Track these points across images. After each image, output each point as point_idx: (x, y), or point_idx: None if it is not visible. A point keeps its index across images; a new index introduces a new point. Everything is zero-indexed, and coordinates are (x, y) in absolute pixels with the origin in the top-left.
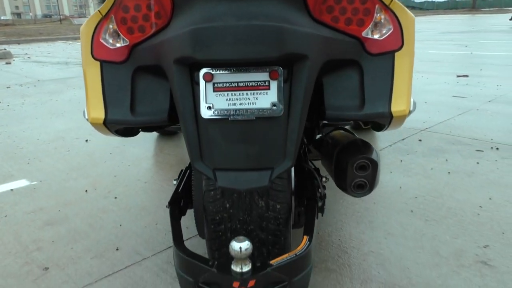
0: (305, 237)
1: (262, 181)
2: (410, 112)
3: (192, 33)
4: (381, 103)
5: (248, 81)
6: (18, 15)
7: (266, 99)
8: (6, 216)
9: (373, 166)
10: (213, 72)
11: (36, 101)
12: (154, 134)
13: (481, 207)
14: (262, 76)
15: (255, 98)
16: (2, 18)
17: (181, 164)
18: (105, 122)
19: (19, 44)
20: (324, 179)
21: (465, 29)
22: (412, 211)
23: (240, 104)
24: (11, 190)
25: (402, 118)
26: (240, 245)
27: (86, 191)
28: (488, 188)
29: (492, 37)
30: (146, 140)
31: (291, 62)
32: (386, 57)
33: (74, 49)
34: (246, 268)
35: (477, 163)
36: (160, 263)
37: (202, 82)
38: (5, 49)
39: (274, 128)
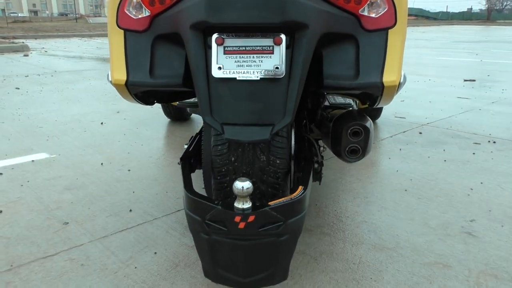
0: (300, 186)
1: (264, 134)
2: (400, 84)
3: (207, 1)
4: (374, 74)
5: (254, 46)
6: (35, 12)
7: (270, 62)
8: (28, 181)
9: (366, 132)
10: (223, 37)
11: (53, 89)
12: (166, 120)
13: (472, 189)
14: (267, 41)
15: (260, 61)
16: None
17: None
18: (127, 84)
19: (36, 39)
20: (322, 148)
21: (478, 39)
22: (406, 190)
23: (247, 65)
24: (32, 161)
25: (393, 88)
26: (243, 184)
27: (101, 164)
28: (481, 174)
29: (504, 47)
30: (159, 124)
31: (293, 30)
32: (380, 33)
33: (90, 45)
34: (247, 205)
35: (473, 153)
36: (170, 223)
37: (214, 46)
38: (23, 42)
39: (276, 88)
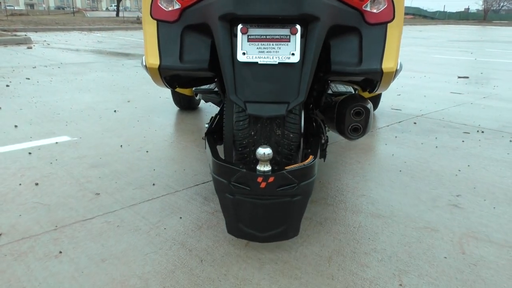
0: (311, 156)
1: (281, 110)
2: (396, 71)
3: None
4: (375, 61)
5: (274, 35)
6: (31, 6)
7: (287, 49)
8: (56, 159)
9: (366, 112)
10: (248, 27)
11: (62, 79)
12: (175, 109)
13: (459, 170)
14: (285, 31)
15: (278, 48)
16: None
17: (201, 131)
18: (159, 67)
19: (36, 32)
20: (327, 128)
21: (473, 38)
22: (400, 171)
23: (267, 52)
24: (56, 143)
25: (391, 74)
26: (264, 150)
27: (121, 146)
28: (468, 158)
29: (499, 47)
30: (169, 112)
31: (306, 22)
32: (381, 26)
33: (90, 39)
34: (268, 168)
35: (463, 141)
36: (191, 194)
37: (239, 34)
38: (25, 35)
39: (291, 71)
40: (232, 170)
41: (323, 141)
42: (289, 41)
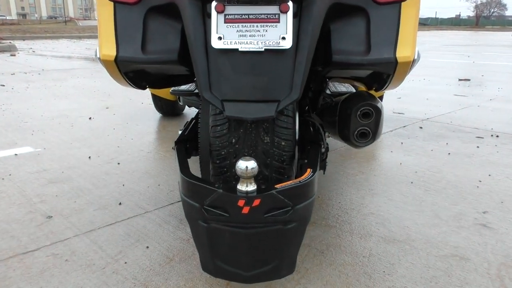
0: (308, 169)
1: (269, 111)
2: (414, 60)
3: None
4: (387, 49)
5: (258, 14)
6: (24, 15)
7: (276, 32)
8: (10, 175)
9: (377, 114)
10: (224, 4)
11: (40, 86)
12: (157, 115)
13: (480, 181)
14: (272, 9)
15: (264, 31)
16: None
17: None
18: (116, 60)
19: (23, 40)
20: (327, 133)
21: (468, 43)
22: (412, 182)
23: (250, 35)
24: (15, 154)
25: (407, 65)
26: (247, 164)
27: (89, 157)
28: (488, 167)
29: (495, 50)
30: (150, 119)
31: None
32: (393, 6)
33: (79, 46)
34: (252, 187)
35: (477, 147)
36: (163, 216)
37: (214, 13)
38: (10, 42)
39: (282, 60)
40: (205, 190)
41: (323, 149)
42: (279, 22)
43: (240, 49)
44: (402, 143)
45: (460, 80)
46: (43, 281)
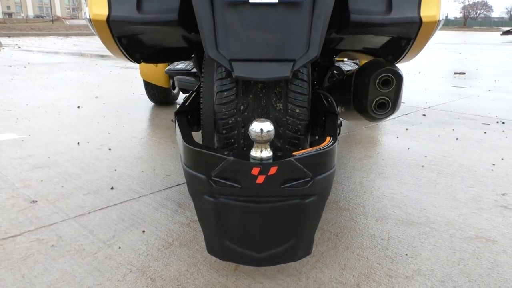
0: (328, 137)
1: (284, 71)
2: (439, 21)
3: None
4: (410, 7)
5: None
6: (9, 15)
7: None
8: None
9: (398, 81)
10: None
11: (25, 78)
12: (150, 104)
13: (494, 164)
14: None
15: None
16: None
17: None
18: (108, 19)
19: (9, 37)
20: (339, 108)
21: (458, 41)
22: (423, 166)
23: None
24: None
25: (432, 25)
26: (262, 126)
27: (78, 143)
28: (499, 151)
29: (485, 48)
30: (142, 108)
31: None
32: None
33: (66, 43)
34: (268, 153)
35: (485, 132)
36: (159, 200)
37: None
38: None
39: (298, 14)
40: (213, 158)
41: (338, 121)
42: None
43: (250, 1)
44: (407, 129)
45: (455, 73)
46: (25, 268)
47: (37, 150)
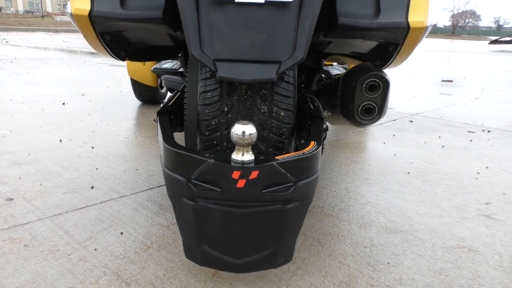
0: (312, 142)
1: (269, 73)
2: (427, 27)
3: None
4: (398, 12)
5: None
6: None
7: None
8: None
9: (384, 86)
10: None
11: (11, 73)
12: (137, 103)
13: (478, 173)
14: None
15: None
16: None
17: None
18: (91, 14)
19: None
20: (326, 112)
21: (446, 49)
22: (408, 173)
23: None
24: None
25: (419, 31)
26: (244, 129)
27: (60, 140)
28: (484, 159)
29: (473, 56)
30: (128, 106)
31: None
32: None
33: (55, 39)
34: (249, 157)
35: (470, 140)
36: (140, 201)
37: None
38: None
39: (285, 14)
40: (193, 160)
41: (324, 125)
42: None
43: (236, 0)
44: (394, 135)
45: (443, 81)
46: None
47: (17, 147)
